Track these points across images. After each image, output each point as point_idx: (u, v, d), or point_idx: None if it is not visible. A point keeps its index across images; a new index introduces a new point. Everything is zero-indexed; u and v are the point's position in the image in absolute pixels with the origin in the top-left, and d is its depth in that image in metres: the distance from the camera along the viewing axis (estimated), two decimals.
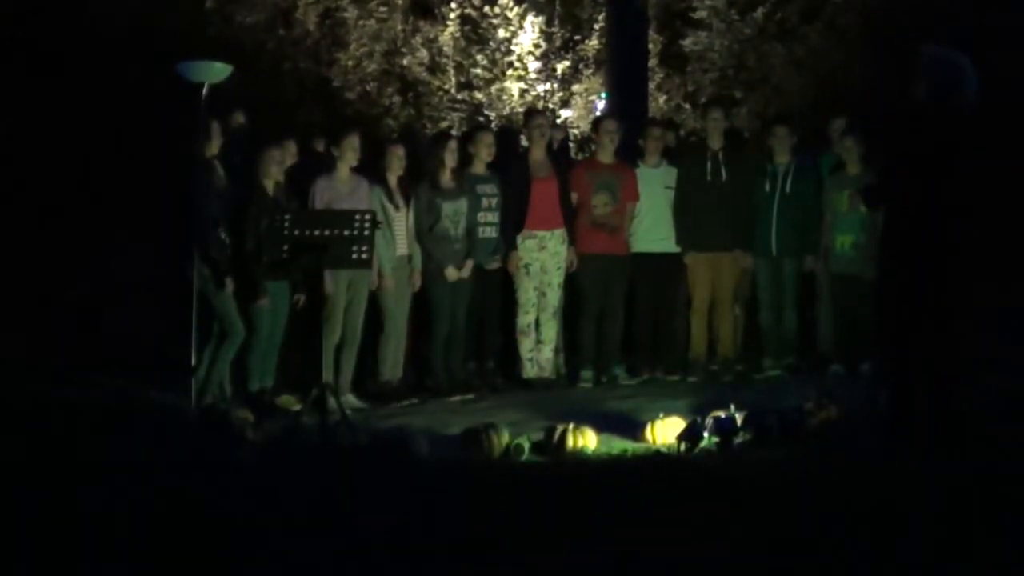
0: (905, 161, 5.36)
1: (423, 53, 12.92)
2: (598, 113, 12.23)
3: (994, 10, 9.72)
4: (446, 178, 8.07)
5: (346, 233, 6.61)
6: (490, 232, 8.24)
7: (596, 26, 13.27)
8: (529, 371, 8.29)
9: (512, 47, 13.39)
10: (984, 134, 5.38)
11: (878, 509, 4.35)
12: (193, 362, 6.92)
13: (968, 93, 5.35)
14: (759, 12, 12.51)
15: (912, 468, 4.86)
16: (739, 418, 6.23)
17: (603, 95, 12.38)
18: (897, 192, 5.37)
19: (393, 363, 8.01)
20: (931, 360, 5.30)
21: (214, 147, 7.40)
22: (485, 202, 8.20)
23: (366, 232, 6.65)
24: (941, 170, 5.26)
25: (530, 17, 13.46)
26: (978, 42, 9.28)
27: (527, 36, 13.45)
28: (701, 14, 12.85)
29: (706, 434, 6.20)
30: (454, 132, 11.16)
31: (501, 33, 13.36)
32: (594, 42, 13.34)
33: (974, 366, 5.38)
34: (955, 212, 5.28)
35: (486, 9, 13.30)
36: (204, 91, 6.96)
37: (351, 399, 7.67)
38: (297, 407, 7.33)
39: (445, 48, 13.09)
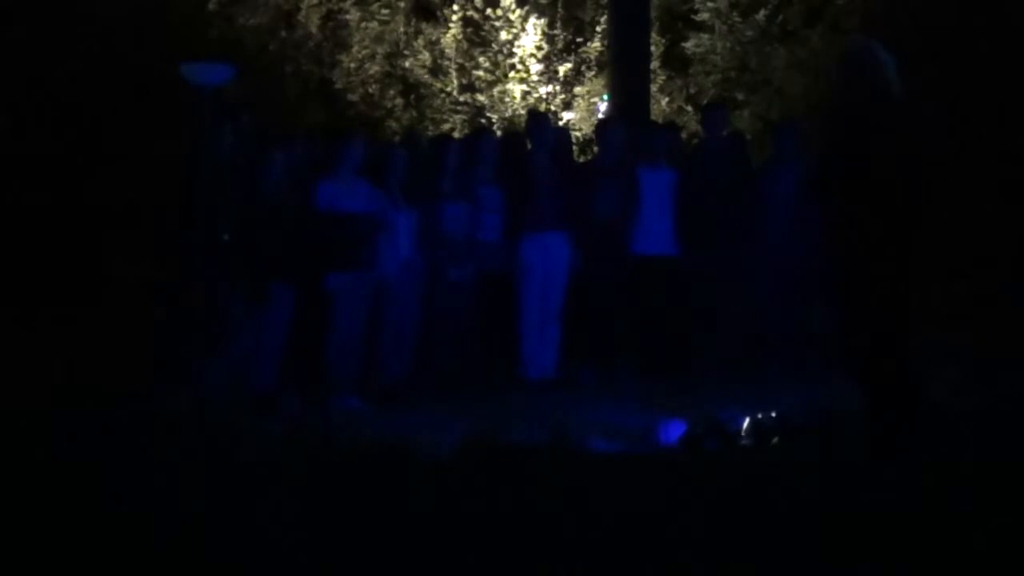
0: (838, 158, 5.26)
1: (425, 55, 12.92)
2: (600, 115, 12.22)
3: (994, 11, 9.71)
4: (447, 180, 8.07)
5: (349, 235, 6.64)
6: (493, 234, 8.24)
7: (598, 28, 13.26)
8: (532, 372, 8.28)
9: (514, 49, 13.38)
10: (915, 119, 5.26)
11: (878, 509, 4.35)
12: (197, 363, 6.92)
13: (890, 81, 5.23)
14: (761, 14, 12.51)
15: (907, 467, 4.85)
16: (743, 419, 6.23)
17: (605, 97, 12.36)
18: (837, 185, 5.25)
19: (395, 365, 8.01)
20: (894, 355, 5.19)
21: (226, 149, 7.40)
22: (488, 204, 8.20)
23: (369, 234, 6.67)
24: (875, 162, 5.14)
25: (532, 19, 13.45)
26: (978, 42, 9.31)
27: (529, 38, 13.44)
28: (703, 16, 12.85)
29: (710, 435, 6.20)
30: (456, 134, 11.18)
31: (503, 35, 13.35)
32: (596, 44, 13.32)
33: (922, 357, 5.26)
34: (895, 202, 5.14)
35: (488, 11, 13.30)
36: (207, 93, 6.97)
37: (353, 400, 7.67)
38: (299, 408, 7.33)
39: (447, 50, 13.09)
